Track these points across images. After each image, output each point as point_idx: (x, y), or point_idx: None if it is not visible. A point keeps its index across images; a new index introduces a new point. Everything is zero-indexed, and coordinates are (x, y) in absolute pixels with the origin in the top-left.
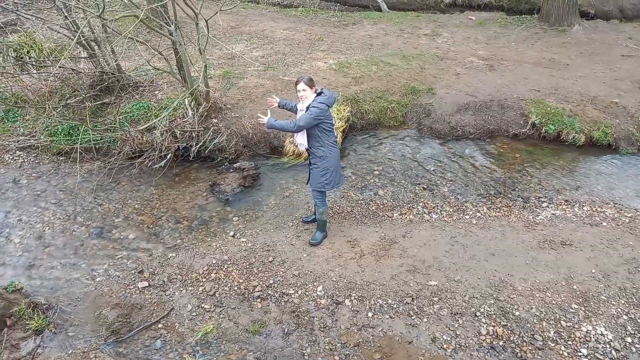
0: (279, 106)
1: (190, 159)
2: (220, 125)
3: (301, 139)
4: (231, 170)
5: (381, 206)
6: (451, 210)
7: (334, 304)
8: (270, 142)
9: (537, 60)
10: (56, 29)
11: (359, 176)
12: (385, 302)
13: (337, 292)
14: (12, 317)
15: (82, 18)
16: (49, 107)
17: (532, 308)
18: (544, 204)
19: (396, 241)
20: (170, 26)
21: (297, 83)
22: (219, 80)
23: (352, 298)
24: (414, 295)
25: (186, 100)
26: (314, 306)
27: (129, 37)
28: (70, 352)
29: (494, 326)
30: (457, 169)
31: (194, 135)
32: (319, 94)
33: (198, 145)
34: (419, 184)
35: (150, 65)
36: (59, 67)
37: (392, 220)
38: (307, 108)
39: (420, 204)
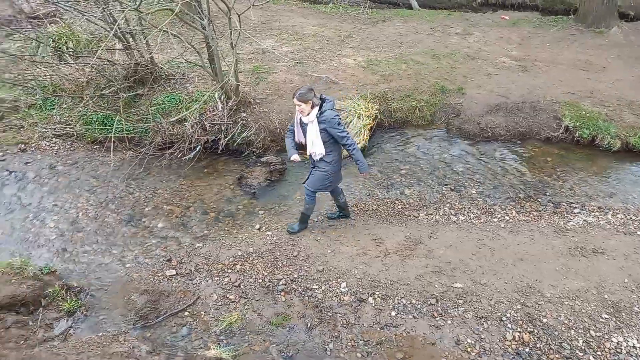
0: (297, 150)
1: (219, 151)
2: (249, 120)
3: (319, 149)
4: (258, 164)
5: (407, 205)
6: (479, 212)
7: (357, 301)
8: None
9: (572, 62)
10: (94, 20)
11: (385, 175)
12: (409, 302)
13: (360, 290)
14: (47, 298)
15: (119, 10)
16: (86, 97)
17: (560, 316)
18: (576, 210)
19: (422, 241)
20: (203, 20)
21: (293, 96)
22: (249, 74)
23: (376, 296)
24: (439, 297)
25: (216, 94)
26: (337, 302)
27: (164, 30)
28: (100, 334)
29: (520, 332)
30: (485, 170)
31: (222, 128)
32: (322, 101)
33: (226, 139)
34: (446, 185)
35: (183, 58)
36: (96, 58)
37: (418, 220)
38: (318, 116)
39: (447, 204)
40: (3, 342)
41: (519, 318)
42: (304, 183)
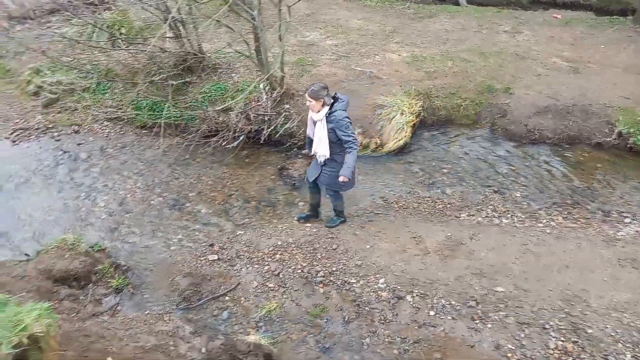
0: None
1: (261, 142)
2: (292, 111)
3: (324, 150)
4: (299, 156)
5: (448, 205)
6: (523, 216)
7: (396, 298)
8: None
9: (628, 65)
10: (147, 8)
11: (426, 173)
12: (448, 303)
13: (399, 287)
14: (97, 274)
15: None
16: (141, 83)
17: (607, 327)
18: (627, 220)
19: (463, 242)
20: (253, 11)
21: (306, 91)
22: (293, 66)
23: (414, 294)
24: (479, 300)
25: (261, 85)
26: (375, 298)
27: (216, 20)
28: (147, 312)
29: (563, 341)
30: (531, 174)
31: (266, 119)
32: (335, 100)
33: (269, 129)
34: (490, 186)
35: (233, 48)
36: (151, 45)
37: (459, 221)
38: (328, 116)
39: (490, 206)
40: (56, 313)
41: (562, 327)
42: (307, 179)
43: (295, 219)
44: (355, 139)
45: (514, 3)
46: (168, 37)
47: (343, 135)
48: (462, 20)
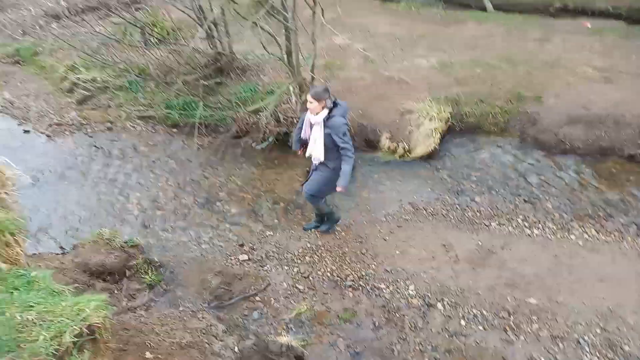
0: (302, 144)
1: (290, 144)
2: None
3: (318, 153)
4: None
5: (478, 213)
6: (555, 227)
7: (426, 306)
8: (366, 135)
9: None
10: (181, 8)
11: (454, 180)
12: (479, 313)
13: (429, 294)
14: (131, 270)
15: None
16: (179, 82)
17: None
18: None
19: (494, 252)
20: (287, 13)
21: (308, 92)
22: (321, 70)
23: (445, 303)
24: (511, 311)
25: (291, 87)
26: (405, 304)
27: (253, 23)
28: (181, 309)
29: (598, 357)
30: (562, 185)
31: (295, 121)
32: (334, 105)
33: None
34: (519, 195)
35: (267, 50)
36: (182, 44)
37: (489, 230)
38: (326, 120)
39: (520, 216)
40: None
41: (597, 342)
42: (302, 185)
43: (306, 228)
44: (352, 147)
45: (541, 11)
46: (200, 37)
47: (340, 142)
48: (490, 27)
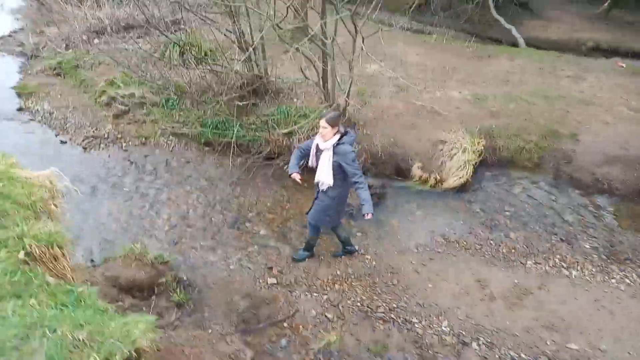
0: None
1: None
2: None
3: (327, 178)
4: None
5: (512, 250)
6: (594, 270)
7: (460, 344)
8: (397, 164)
9: None
10: (222, 31)
11: (488, 214)
12: (517, 355)
13: (463, 332)
14: (160, 287)
15: (247, 23)
16: (219, 100)
17: None
18: None
19: (531, 292)
20: (327, 40)
21: (321, 117)
22: (354, 96)
23: (480, 342)
24: (551, 356)
25: (324, 111)
26: (438, 341)
27: (295, 48)
28: (210, 331)
29: None
30: (600, 226)
31: None
32: (344, 134)
33: None
34: (555, 234)
35: (304, 74)
36: (220, 65)
37: (525, 268)
38: (335, 147)
39: (558, 256)
40: None
41: None
42: (306, 213)
43: (335, 255)
44: (362, 174)
45: (573, 49)
46: (238, 60)
47: (350, 168)
48: (522, 63)
